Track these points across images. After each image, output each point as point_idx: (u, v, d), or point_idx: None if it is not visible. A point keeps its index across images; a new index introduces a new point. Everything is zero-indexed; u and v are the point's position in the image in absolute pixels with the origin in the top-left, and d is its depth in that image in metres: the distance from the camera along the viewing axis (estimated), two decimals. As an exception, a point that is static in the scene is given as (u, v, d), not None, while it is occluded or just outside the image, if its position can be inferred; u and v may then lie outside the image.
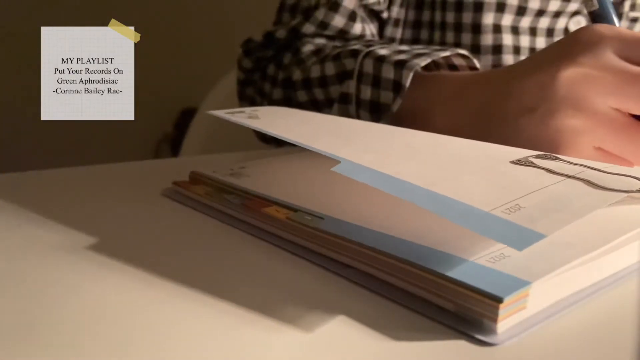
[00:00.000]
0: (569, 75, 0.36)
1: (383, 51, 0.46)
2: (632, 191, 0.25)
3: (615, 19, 0.40)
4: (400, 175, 0.26)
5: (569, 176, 0.27)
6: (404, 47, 0.48)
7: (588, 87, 0.36)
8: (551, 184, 0.26)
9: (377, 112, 0.46)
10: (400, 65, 0.44)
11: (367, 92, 0.47)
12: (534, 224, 0.22)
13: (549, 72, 0.37)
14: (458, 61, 0.48)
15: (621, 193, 0.25)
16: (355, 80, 0.47)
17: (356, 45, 0.50)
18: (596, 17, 0.40)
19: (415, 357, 0.20)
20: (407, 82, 0.44)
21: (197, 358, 0.20)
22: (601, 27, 0.37)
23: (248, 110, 0.39)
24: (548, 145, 0.37)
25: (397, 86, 0.44)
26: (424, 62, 0.44)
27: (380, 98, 0.46)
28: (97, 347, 0.20)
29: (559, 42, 0.39)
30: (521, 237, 0.21)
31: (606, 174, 0.27)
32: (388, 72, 0.45)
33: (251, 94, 0.61)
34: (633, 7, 0.60)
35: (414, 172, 0.27)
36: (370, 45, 0.49)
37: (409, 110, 0.45)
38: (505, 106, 0.40)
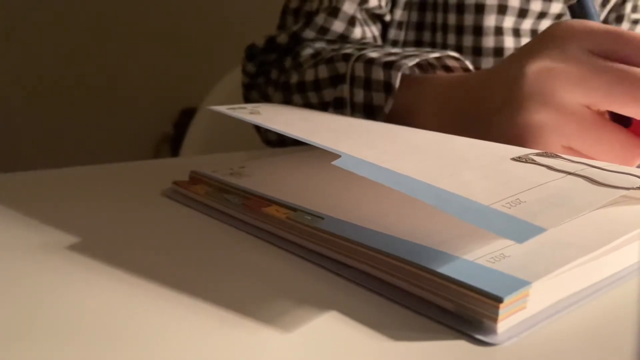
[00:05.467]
0: (535, 70, 0.36)
1: (373, 54, 0.47)
2: (632, 188, 0.25)
3: (595, 14, 0.39)
4: (401, 170, 0.26)
5: (569, 173, 0.27)
6: (395, 50, 0.48)
7: (553, 82, 0.35)
8: (552, 180, 0.26)
9: (371, 114, 0.47)
10: (388, 66, 0.45)
11: (360, 95, 0.47)
12: (534, 217, 0.22)
13: (516, 68, 0.37)
14: (451, 62, 0.48)
15: (621, 190, 0.25)
16: (348, 84, 0.47)
17: (349, 49, 0.50)
18: (574, 11, 0.39)
19: (415, 357, 0.20)
20: (397, 82, 0.44)
21: (193, 358, 0.20)
22: (572, 22, 0.36)
23: (250, 106, 0.39)
24: (517, 142, 0.36)
25: (387, 87, 0.45)
26: (411, 62, 0.44)
27: (373, 100, 0.46)
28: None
29: (532, 39, 0.39)
30: (521, 231, 0.21)
31: (607, 172, 0.27)
32: (378, 74, 0.45)
33: (256, 97, 0.61)
34: (635, 9, 0.60)
35: (414, 167, 0.27)
36: (363, 49, 0.49)
37: (397, 110, 0.46)
38: (480, 105, 0.40)
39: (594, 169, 0.27)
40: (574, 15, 0.39)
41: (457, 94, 0.43)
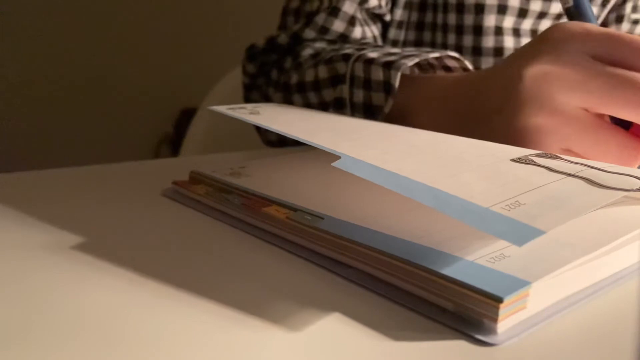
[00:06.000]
0: (532, 73, 0.36)
1: (373, 54, 0.47)
2: (632, 190, 0.25)
3: (592, 16, 0.39)
4: (401, 171, 0.26)
5: (569, 174, 0.27)
6: (395, 50, 0.48)
7: (551, 85, 0.35)
8: (551, 182, 0.26)
9: (371, 114, 0.47)
10: (388, 66, 0.45)
11: (359, 95, 0.47)
12: (533, 220, 0.22)
13: (514, 70, 0.37)
14: (451, 63, 0.48)
15: (621, 192, 0.25)
16: (348, 84, 0.47)
17: (348, 49, 0.50)
18: (571, 13, 0.39)
19: (415, 357, 0.20)
20: (396, 82, 0.44)
21: (194, 358, 0.20)
22: (569, 25, 0.36)
23: (249, 106, 0.39)
24: (515, 144, 0.36)
25: (387, 87, 0.45)
26: (411, 62, 0.44)
27: (372, 100, 0.46)
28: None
29: (530, 41, 0.39)
30: (520, 233, 0.21)
31: (606, 173, 0.27)
32: (377, 74, 0.45)
33: (256, 98, 0.61)
34: (635, 9, 0.60)
35: (414, 168, 0.27)
36: (362, 49, 0.49)
37: (397, 110, 0.46)
38: (478, 106, 0.40)
39: (593, 170, 0.27)
40: (571, 17, 0.39)
41: (456, 93, 0.43)
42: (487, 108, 0.39)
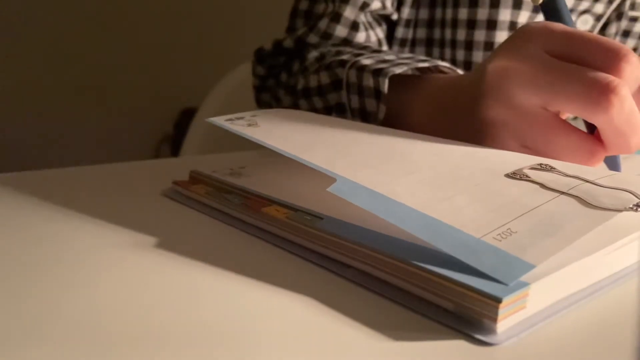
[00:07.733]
0: (493, 68, 0.37)
1: (367, 61, 0.48)
2: (624, 210, 0.25)
3: (566, 13, 0.39)
4: (395, 194, 0.26)
5: (562, 192, 0.27)
6: (389, 57, 0.49)
7: (507, 79, 0.36)
8: (544, 202, 0.26)
9: (366, 120, 0.47)
10: (377, 73, 0.45)
11: (355, 101, 0.48)
12: (524, 252, 0.22)
13: (482, 66, 0.38)
14: (445, 69, 0.49)
15: (614, 212, 0.25)
16: (345, 90, 0.48)
17: (346, 55, 0.50)
18: (544, 11, 0.39)
19: (415, 357, 0.20)
20: (385, 89, 0.45)
21: (189, 356, 0.20)
22: (533, 24, 0.37)
23: (248, 116, 0.39)
24: (479, 137, 0.37)
25: (377, 93, 0.46)
26: (399, 70, 0.45)
27: (366, 106, 0.47)
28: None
29: (503, 41, 0.40)
30: (510, 268, 0.21)
31: (601, 189, 0.27)
32: (368, 81, 0.46)
33: (267, 99, 0.62)
34: (632, 6, 0.60)
35: (409, 190, 0.27)
36: (359, 55, 0.50)
37: (394, 110, 0.47)
38: (459, 102, 0.41)
39: (587, 184, 0.27)
40: (546, 14, 0.39)
41: (445, 91, 0.44)
42: (463, 103, 0.40)
